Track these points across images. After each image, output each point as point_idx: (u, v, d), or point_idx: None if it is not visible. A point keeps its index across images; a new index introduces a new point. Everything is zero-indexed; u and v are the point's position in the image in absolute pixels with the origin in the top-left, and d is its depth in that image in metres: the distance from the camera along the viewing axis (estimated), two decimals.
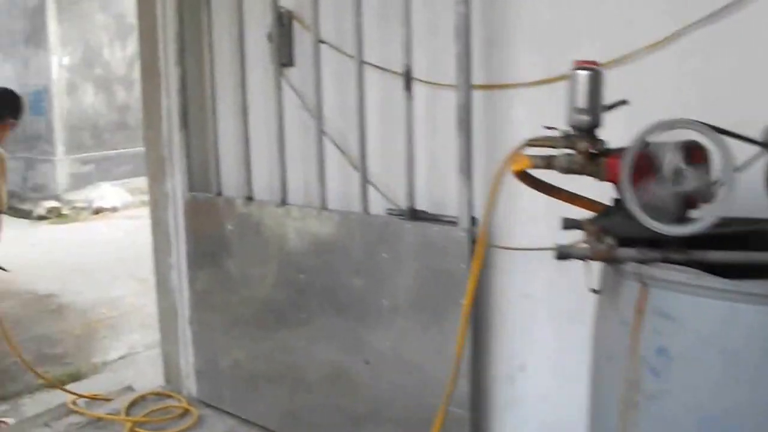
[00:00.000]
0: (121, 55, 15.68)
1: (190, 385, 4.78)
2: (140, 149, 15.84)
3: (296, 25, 3.94)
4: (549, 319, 3.18)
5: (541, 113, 2.96)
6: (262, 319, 4.15)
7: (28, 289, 8.95)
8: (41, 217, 14.49)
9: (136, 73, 15.77)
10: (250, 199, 4.08)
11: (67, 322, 7.66)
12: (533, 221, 3.06)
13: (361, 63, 3.46)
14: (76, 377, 6.06)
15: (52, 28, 14.88)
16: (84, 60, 15.30)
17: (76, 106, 15.31)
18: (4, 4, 16.03)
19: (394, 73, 3.42)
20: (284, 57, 3.95)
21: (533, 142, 2.25)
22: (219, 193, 4.27)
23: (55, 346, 6.95)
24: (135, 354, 6.56)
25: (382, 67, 3.51)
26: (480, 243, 2.80)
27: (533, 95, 3.03)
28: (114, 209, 14.27)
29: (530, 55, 3.07)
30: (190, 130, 4.38)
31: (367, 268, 3.52)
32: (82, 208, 14.54)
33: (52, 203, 14.64)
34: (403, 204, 3.40)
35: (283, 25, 3.95)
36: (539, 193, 2.41)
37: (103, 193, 14.53)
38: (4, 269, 6.43)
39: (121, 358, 6.51)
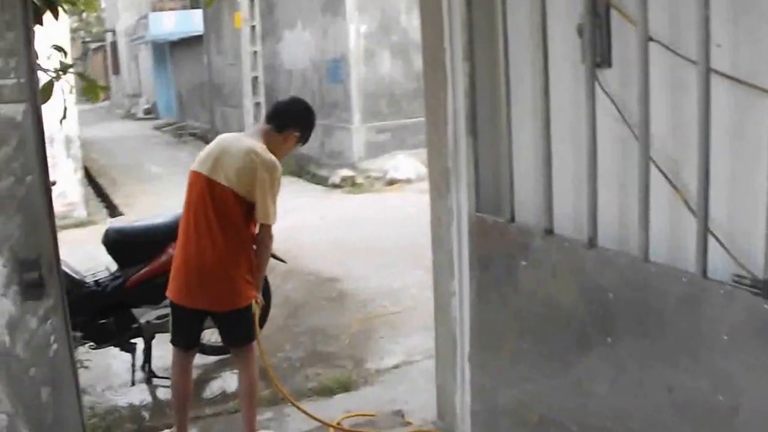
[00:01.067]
0: (419, 21, 15.28)
1: (465, 428, 4.13)
2: None
3: (615, 15, 3.06)
4: None
5: None
6: (554, 373, 3.37)
7: (312, 269, 8.73)
8: (335, 185, 14.52)
9: None
10: (550, 232, 3.29)
11: (346, 314, 7.30)
12: None
13: (708, 71, 2.54)
14: (346, 386, 5.64)
15: None
16: (381, 27, 15.12)
17: (373, 73, 15.22)
18: None
19: (754, 87, 2.48)
20: (598, 55, 3.10)
21: None
22: (512, 219, 3.51)
23: (330, 343, 6.59)
24: (411, 363, 6.02)
25: (736, 77, 2.58)
26: None
27: None
28: (408, 181, 13.95)
29: None
30: (479, 138, 3.66)
31: (698, 351, 2.60)
32: (376, 178, 14.40)
33: (347, 172, 14.62)
34: (758, 270, 2.46)
35: (598, 15, 3.09)
36: None
37: (397, 163, 14.27)
38: (281, 260, 6.18)
39: (396, 367, 5.99)
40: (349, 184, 14.28)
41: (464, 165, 3.76)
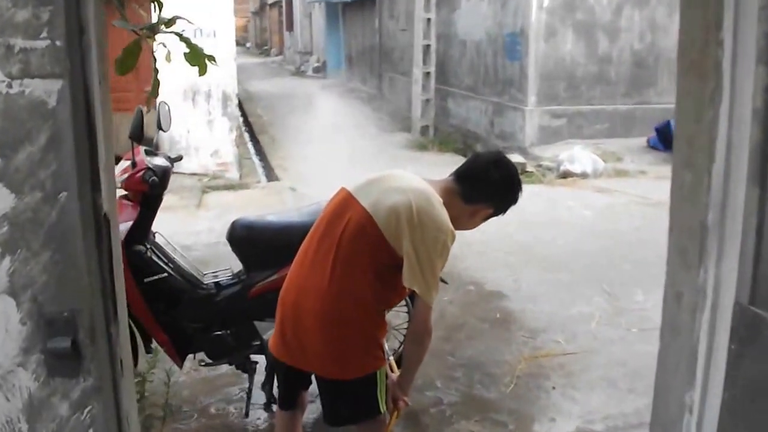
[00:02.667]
0: None
1: None
2: (620, 107, 14.09)
3: None
4: None
5: None
6: None
7: (473, 277, 7.48)
8: None
9: (623, 21, 14.02)
10: None
11: (511, 346, 5.99)
12: None
13: None
14: None
15: None
16: (566, 3, 13.74)
17: (553, 52, 13.95)
18: None
19: None
20: None
21: None
22: None
23: (489, 387, 5.30)
24: None
25: None
26: None
27: None
28: (583, 175, 12.49)
29: None
30: None
31: None
32: (548, 169, 13.04)
33: (518, 157, 13.25)
34: None
35: None
36: None
37: (573, 154, 12.82)
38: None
39: None
40: (519, 172, 12.92)
41: (737, 227, 2.43)
